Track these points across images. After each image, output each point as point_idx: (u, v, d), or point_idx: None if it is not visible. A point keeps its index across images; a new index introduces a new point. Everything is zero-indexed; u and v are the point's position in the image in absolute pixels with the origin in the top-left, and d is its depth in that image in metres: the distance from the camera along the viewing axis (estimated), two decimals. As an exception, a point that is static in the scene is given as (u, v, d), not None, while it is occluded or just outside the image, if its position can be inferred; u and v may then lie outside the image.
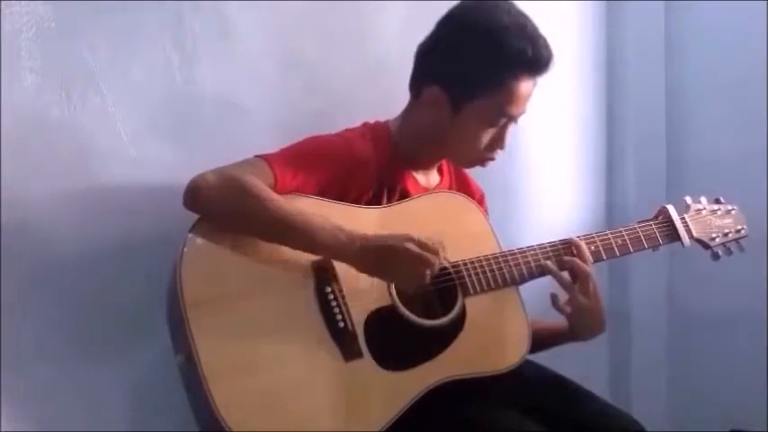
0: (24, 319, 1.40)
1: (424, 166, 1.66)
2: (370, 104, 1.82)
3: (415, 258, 1.37)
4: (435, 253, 1.39)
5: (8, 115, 1.36)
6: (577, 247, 1.58)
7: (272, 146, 1.51)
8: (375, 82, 1.88)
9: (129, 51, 1.52)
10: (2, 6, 1.35)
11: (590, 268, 1.56)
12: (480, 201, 1.76)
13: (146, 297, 1.47)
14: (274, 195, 1.37)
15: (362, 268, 1.40)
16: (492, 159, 1.61)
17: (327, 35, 1.83)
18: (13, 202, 1.37)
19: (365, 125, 1.62)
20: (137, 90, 1.53)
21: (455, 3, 1.57)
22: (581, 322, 1.57)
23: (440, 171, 1.71)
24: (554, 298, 1.57)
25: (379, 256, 1.38)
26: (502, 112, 1.53)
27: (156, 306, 1.39)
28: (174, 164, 1.55)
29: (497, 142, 1.57)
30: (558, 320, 1.61)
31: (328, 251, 1.39)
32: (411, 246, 1.37)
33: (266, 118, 1.72)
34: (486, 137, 1.56)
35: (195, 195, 1.37)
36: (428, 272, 1.39)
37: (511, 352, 1.49)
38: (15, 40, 1.37)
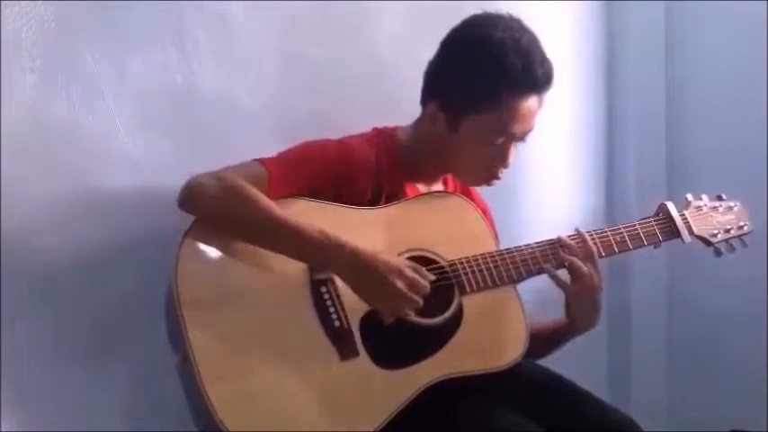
0: (23, 319, 1.41)
1: (427, 178, 1.65)
2: (370, 105, 1.82)
3: (401, 297, 1.38)
4: (423, 291, 1.39)
5: (8, 115, 1.37)
6: (583, 240, 1.57)
7: (271, 146, 1.51)
8: (375, 83, 1.88)
9: (129, 51, 1.52)
10: (2, 6, 1.35)
11: (588, 267, 1.54)
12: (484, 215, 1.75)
13: (145, 297, 1.47)
14: (267, 202, 1.37)
15: (347, 281, 1.40)
16: (497, 178, 1.59)
17: (327, 35, 1.83)
18: (12, 202, 1.38)
19: (374, 130, 1.62)
20: (137, 90, 1.53)
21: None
22: (576, 315, 1.58)
23: (444, 182, 1.69)
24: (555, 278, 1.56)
25: (365, 280, 1.38)
26: (499, 130, 1.51)
27: (154, 306, 1.40)
28: (173, 164, 1.56)
29: (500, 161, 1.56)
30: (555, 318, 1.62)
31: (316, 261, 1.40)
32: (400, 284, 1.37)
33: (266, 118, 1.72)
34: (486, 154, 1.54)
35: (190, 197, 1.38)
36: (408, 309, 1.40)
37: (508, 350, 1.49)
38: (15, 40, 1.38)
